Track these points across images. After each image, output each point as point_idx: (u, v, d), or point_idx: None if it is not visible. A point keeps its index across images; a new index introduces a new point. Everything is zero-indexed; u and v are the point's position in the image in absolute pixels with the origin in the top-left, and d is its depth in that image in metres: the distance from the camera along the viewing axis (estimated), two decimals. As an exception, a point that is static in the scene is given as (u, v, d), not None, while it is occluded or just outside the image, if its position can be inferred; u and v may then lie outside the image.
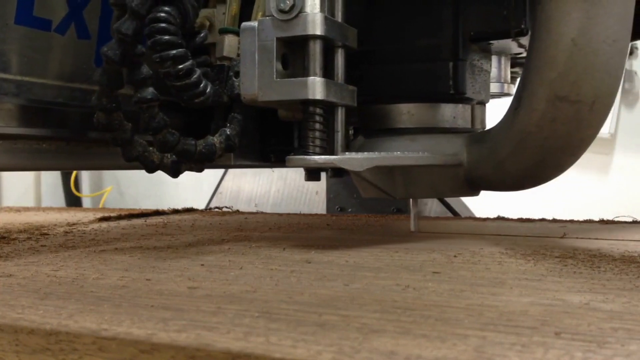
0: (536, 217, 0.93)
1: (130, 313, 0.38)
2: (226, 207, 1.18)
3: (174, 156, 0.63)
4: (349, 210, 1.28)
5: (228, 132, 0.64)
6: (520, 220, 0.91)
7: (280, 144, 0.77)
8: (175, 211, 1.13)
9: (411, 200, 0.75)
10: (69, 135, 0.70)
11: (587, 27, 0.56)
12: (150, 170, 0.63)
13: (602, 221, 0.88)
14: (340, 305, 0.39)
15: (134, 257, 0.60)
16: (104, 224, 0.93)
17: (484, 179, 0.68)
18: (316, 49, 0.61)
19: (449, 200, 1.25)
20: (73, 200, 2.37)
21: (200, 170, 0.65)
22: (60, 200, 2.41)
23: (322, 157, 0.61)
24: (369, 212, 1.18)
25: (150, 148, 0.62)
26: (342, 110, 0.65)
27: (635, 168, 1.99)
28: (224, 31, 0.67)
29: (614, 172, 2.01)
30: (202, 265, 0.55)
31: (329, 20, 0.61)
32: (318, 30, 0.60)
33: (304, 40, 0.61)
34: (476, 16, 0.68)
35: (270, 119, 0.70)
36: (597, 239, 0.69)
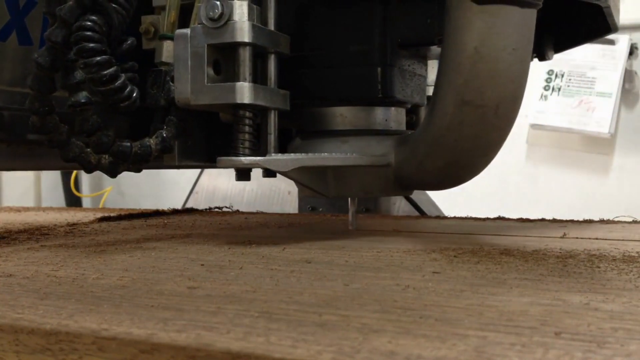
0: (536, 217, 0.93)
1: (130, 313, 0.38)
2: (226, 207, 1.18)
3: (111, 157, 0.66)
4: (320, 209, 1.30)
5: (164, 134, 0.67)
6: (520, 220, 0.91)
7: (226, 146, 0.79)
8: (175, 211, 1.13)
9: (349, 199, 0.78)
10: (8, 138, 0.73)
11: (488, 36, 0.60)
12: (88, 170, 0.66)
13: (602, 221, 0.88)
14: (340, 305, 0.39)
15: (134, 257, 0.60)
16: (104, 224, 0.93)
17: (409, 179, 0.72)
18: (245, 55, 0.64)
19: (417, 199, 1.28)
20: (73, 200, 2.37)
21: (138, 170, 0.68)
22: (60, 200, 2.41)
23: (248, 158, 0.65)
24: (339, 212, 1.20)
25: (87, 149, 0.65)
26: (274, 113, 0.68)
27: (635, 168, 1.99)
28: (163, 37, 0.70)
29: (614, 172, 2.01)
30: (202, 265, 0.55)
31: (257, 27, 0.64)
32: (246, 38, 0.63)
33: (234, 47, 0.64)
34: (403, 24, 0.72)
35: (217, 121, 0.72)
36: (597, 239, 0.69)
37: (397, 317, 0.36)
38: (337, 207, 1.26)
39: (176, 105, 0.66)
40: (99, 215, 1.08)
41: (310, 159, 0.68)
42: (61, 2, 0.61)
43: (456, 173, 0.69)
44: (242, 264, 0.55)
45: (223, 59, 0.65)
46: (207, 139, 0.77)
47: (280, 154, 0.67)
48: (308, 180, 0.70)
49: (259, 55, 0.67)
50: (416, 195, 1.29)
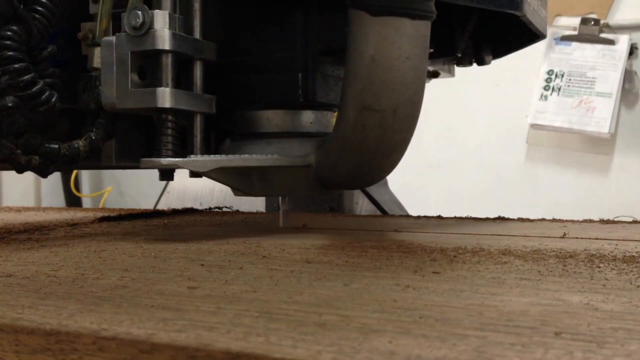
0: (536, 217, 0.93)
1: (130, 313, 0.38)
2: (226, 207, 1.18)
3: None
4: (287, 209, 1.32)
5: (93, 137, 0.71)
6: (520, 220, 0.91)
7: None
8: (176, 211, 1.13)
9: (280, 198, 0.82)
10: None
11: (382, 46, 0.64)
12: (19, 170, 0.69)
13: (602, 221, 0.88)
14: (340, 305, 0.39)
15: (134, 257, 0.60)
16: (104, 224, 0.93)
17: (326, 179, 0.75)
18: (167, 62, 0.68)
19: (379, 199, 1.30)
20: (73, 200, 2.36)
21: (70, 170, 0.75)
22: (60, 200, 2.41)
23: (168, 159, 0.68)
24: (304, 211, 1.21)
25: (18, 150, 0.68)
26: (200, 117, 0.73)
27: (635, 168, 1.99)
28: (94, 44, 0.72)
29: (614, 172, 2.00)
30: (202, 265, 0.55)
31: (178, 36, 0.68)
32: (167, 46, 0.67)
33: (157, 54, 0.68)
34: (323, 32, 0.77)
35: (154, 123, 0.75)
36: (597, 239, 0.69)
37: (397, 317, 0.36)
38: (300, 206, 1.28)
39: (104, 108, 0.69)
40: (99, 215, 1.08)
41: (229, 160, 0.70)
42: None
43: (365, 173, 0.73)
44: (242, 264, 0.55)
45: (148, 65, 0.69)
46: (145, 140, 0.80)
47: (200, 155, 0.70)
48: (231, 180, 0.74)
49: (184, 61, 0.71)
50: (379, 195, 1.31)
